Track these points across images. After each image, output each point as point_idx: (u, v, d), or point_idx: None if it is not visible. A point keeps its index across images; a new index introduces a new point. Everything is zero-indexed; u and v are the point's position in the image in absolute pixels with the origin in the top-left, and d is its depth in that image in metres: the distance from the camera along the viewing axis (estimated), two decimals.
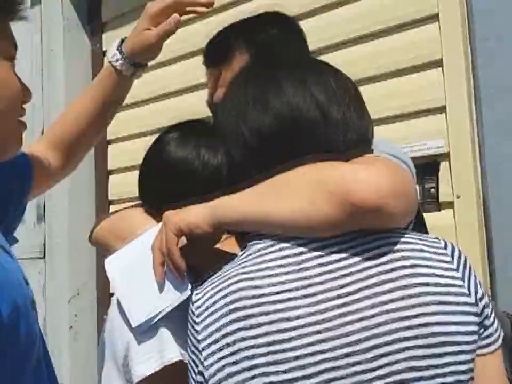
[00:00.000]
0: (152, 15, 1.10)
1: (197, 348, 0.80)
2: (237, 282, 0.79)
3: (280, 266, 0.80)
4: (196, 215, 0.89)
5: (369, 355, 0.75)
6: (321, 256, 0.80)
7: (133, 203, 1.22)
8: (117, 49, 1.13)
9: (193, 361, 0.80)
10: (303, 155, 0.84)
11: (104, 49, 2.65)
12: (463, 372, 0.77)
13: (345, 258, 0.79)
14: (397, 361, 0.75)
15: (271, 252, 0.82)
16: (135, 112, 2.50)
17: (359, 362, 0.75)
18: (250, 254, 0.83)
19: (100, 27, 2.67)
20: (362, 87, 1.73)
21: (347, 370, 0.75)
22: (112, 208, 2.66)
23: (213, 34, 1.15)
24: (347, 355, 0.75)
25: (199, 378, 0.79)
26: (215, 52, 1.13)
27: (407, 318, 0.76)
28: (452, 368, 0.76)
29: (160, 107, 2.41)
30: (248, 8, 2.05)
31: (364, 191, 0.75)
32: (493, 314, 0.83)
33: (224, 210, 0.86)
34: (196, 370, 0.80)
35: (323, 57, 1.82)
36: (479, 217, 1.57)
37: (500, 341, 0.83)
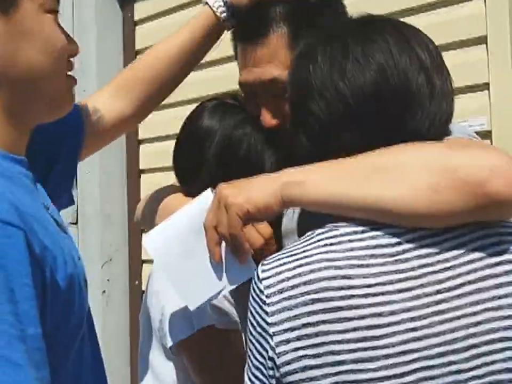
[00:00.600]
0: None
1: (265, 330, 0.75)
2: (321, 269, 0.74)
3: (372, 256, 0.74)
4: (264, 193, 0.80)
5: (466, 355, 0.72)
6: (420, 247, 0.75)
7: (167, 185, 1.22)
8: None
9: (259, 342, 0.76)
10: (406, 132, 0.78)
11: (135, 18, 2.64)
12: None
13: (446, 250, 0.74)
14: (493, 362, 0.72)
15: (361, 239, 0.75)
16: None
17: (455, 362, 0.72)
18: (335, 237, 0.76)
19: None
20: None
21: (442, 370, 0.72)
22: (143, 177, 2.69)
23: None
24: (443, 354, 0.72)
25: (269, 363, 0.75)
26: (250, 25, 1.03)
27: (509, 317, 0.73)
28: None
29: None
30: None
31: (500, 182, 0.70)
32: None
33: (305, 189, 0.77)
34: (265, 355, 0.76)
35: None
36: None
37: None
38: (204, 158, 1.09)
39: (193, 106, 1.20)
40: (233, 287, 0.89)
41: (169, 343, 1.07)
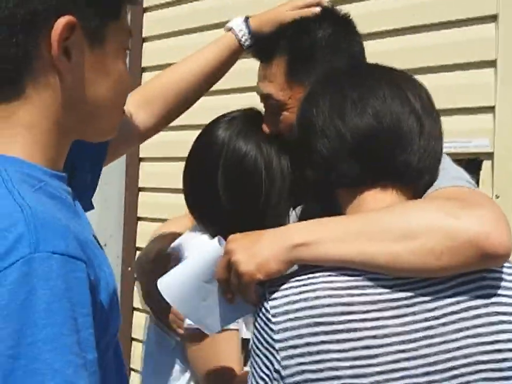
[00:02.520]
0: (296, 6, 1.17)
1: (272, 346, 0.83)
2: (325, 297, 0.82)
3: (371, 286, 0.83)
4: (275, 259, 0.84)
5: (446, 375, 0.82)
6: (414, 283, 0.84)
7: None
8: (244, 24, 1.19)
9: (265, 356, 0.84)
10: (398, 163, 0.88)
11: (144, 5, 2.64)
12: None
13: (434, 284, 0.84)
14: (468, 382, 0.82)
15: (360, 271, 0.84)
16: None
17: (436, 381, 0.82)
18: (339, 269, 0.84)
19: None
20: (420, 75, 1.78)
21: None
22: (142, 165, 2.71)
23: None
24: (427, 373, 0.82)
25: (275, 374, 0.83)
26: (260, 49, 1.17)
27: (484, 343, 0.83)
28: None
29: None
30: None
31: (495, 241, 0.80)
32: None
33: (315, 251, 0.84)
34: (271, 367, 0.84)
35: (376, 43, 1.87)
36: None
37: None
38: (212, 169, 1.15)
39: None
40: (241, 317, 1.02)
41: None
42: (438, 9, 1.78)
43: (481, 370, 0.82)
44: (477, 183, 1.73)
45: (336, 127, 0.89)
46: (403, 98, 0.90)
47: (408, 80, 0.95)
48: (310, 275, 0.85)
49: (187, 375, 1.19)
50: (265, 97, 1.15)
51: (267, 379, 0.84)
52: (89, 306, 0.68)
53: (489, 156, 1.70)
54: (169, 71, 1.22)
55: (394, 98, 0.90)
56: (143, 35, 2.67)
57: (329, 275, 0.84)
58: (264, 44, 1.16)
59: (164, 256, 1.16)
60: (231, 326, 1.11)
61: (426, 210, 0.84)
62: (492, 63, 1.69)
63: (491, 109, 1.69)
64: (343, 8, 1.20)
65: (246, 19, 1.20)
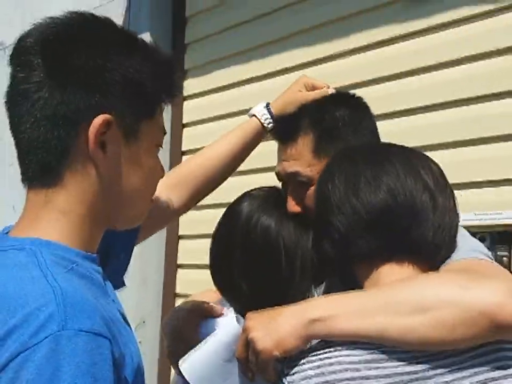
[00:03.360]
0: (305, 83, 1.26)
1: None
2: (342, 371, 0.82)
3: (388, 360, 0.83)
4: (292, 335, 0.86)
5: None
6: (431, 354, 0.85)
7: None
8: (266, 110, 1.28)
9: None
10: (413, 237, 0.90)
11: (184, 94, 2.81)
12: None
13: (452, 356, 0.85)
14: None
15: (375, 345, 0.84)
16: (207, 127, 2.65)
17: None
18: (356, 343, 0.85)
19: (182, 49, 2.80)
20: (445, 150, 1.81)
21: None
22: (181, 242, 2.78)
23: None
24: None
25: None
26: (284, 129, 1.21)
27: None
28: None
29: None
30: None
31: (507, 313, 0.81)
32: None
33: (331, 326, 0.85)
34: None
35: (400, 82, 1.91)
36: None
37: None
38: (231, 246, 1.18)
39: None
40: None
41: None
42: (483, 82, 1.81)
43: None
44: (509, 255, 1.72)
45: (351, 204, 0.93)
46: (416, 175, 0.94)
47: (421, 158, 0.99)
48: (327, 349, 0.86)
49: None
50: (290, 176, 1.17)
51: None
52: (111, 381, 0.71)
53: None
54: (198, 155, 1.32)
55: (408, 175, 0.93)
56: (183, 121, 2.81)
57: (346, 349, 0.84)
58: (287, 125, 1.20)
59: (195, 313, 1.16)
60: None
61: (439, 283, 0.86)
62: None
63: None
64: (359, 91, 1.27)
65: (267, 105, 1.29)
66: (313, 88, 1.26)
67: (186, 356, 1.02)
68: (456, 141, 1.85)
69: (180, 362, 1.01)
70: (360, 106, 1.21)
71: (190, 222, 2.67)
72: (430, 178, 0.94)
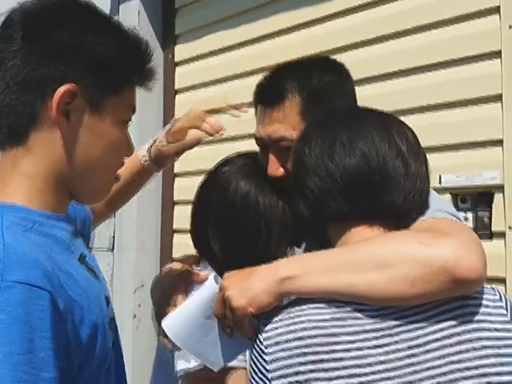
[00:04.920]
0: (195, 116, 1.27)
1: (265, 376, 0.88)
2: (311, 328, 0.86)
3: (355, 318, 0.87)
4: (265, 293, 0.90)
5: None
6: (396, 312, 0.88)
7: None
8: (147, 150, 1.30)
9: None
10: (383, 202, 0.93)
11: (176, 60, 2.81)
12: None
13: (417, 313, 0.87)
14: None
15: (346, 305, 0.88)
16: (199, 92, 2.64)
17: None
18: (325, 302, 0.89)
19: (172, 39, 2.82)
20: (425, 113, 1.83)
21: None
22: (176, 208, 2.83)
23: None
24: None
25: None
26: (269, 92, 1.18)
27: (469, 368, 0.85)
28: None
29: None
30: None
31: (464, 268, 0.84)
32: None
33: (301, 284, 0.89)
34: None
35: (385, 84, 1.93)
36: None
37: None
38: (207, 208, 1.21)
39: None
40: (243, 352, 1.07)
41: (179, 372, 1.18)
42: (445, 49, 1.84)
43: None
44: (490, 215, 1.75)
45: (326, 167, 0.94)
46: (390, 141, 0.95)
47: (395, 123, 1.00)
48: (298, 307, 0.90)
49: None
50: (275, 140, 1.16)
51: None
52: (50, 330, 0.77)
53: (500, 188, 1.71)
54: None
55: (382, 140, 0.94)
56: (176, 87, 2.83)
57: (316, 307, 0.89)
58: (272, 88, 1.18)
59: (177, 291, 1.21)
60: (240, 365, 1.15)
61: (401, 241, 0.90)
62: (498, 98, 1.72)
63: (500, 142, 1.72)
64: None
65: (151, 146, 1.31)
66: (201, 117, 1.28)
67: (168, 315, 1.07)
68: (437, 104, 1.85)
69: (162, 321, 1.06)
70: (344, 71, 1.22)
71: (184, 188, 2.71)
72: (403, 144, 0.96)
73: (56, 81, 0.87)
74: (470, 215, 1.78)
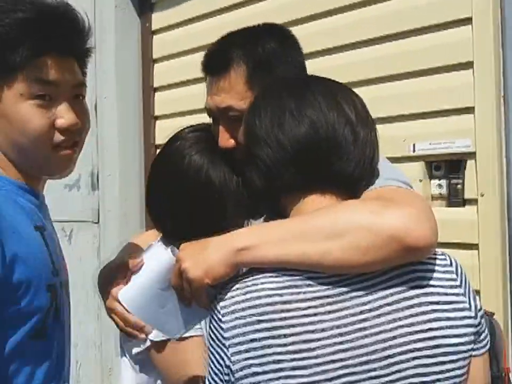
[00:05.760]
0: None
1: (222, 343, 0.90)
2: (265, 296, 0.89)
3: (308, 285, 0.89)
4: (221, 263, 0.91)
5: (384, 363, 0.88)
6: (347, 279, 0.90)
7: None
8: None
9: (217, 352, 0.91)
10: (333, 170, 0.94)
11: (153, 28, 2.77)
12: (461, 375, 0.91)
13: (368, 279, 0.90)
14: (406, 368, 0.88)
15: (300, 274, 0.90)
16: (184, 89, 2.64)
17: (374, 369, 0.88)
18: (279, 271, 0.91)
19: (149, 7, 2.78)
20: (398, 81, 1.83)
21: (363, 375, 0.88)
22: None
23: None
24: (365, 363, 0.87)
25: (226, 370, 0.90)
26: (215, 62, 1.17)
27: (418, 332, 0.88)
28: (452, 373, 0.90)
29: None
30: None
31: (413, 236, 0.86)
32: (484, 322, 0.95)
33: (255, 254, 0.91)
34: (222, 363, 0.91)
35: (354, 52, 1.93)
36: (501, 215, 1.67)
37: (488, 344, 0.96)
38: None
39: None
40: (201, 321, 1.09)
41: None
42: (415, 16, 1.83)
43: (416, 358, 0.88)
44: (462, 182, 1.77)
45: (276, 137, 0.95)
46: (339, 109, 0.96)
47: (344, 91, 1.00)
48: (254, 276, 0.92)
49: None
50: (223, 110, 1.15)
51: (220, 374, 0.91)
52: None
53: (472, 155, 1.73)
54: None
55: (330, 108, 0.95)
56: (153, 57, 2.80)
57: (270, 276, 0.91)
58: (217, 57, 1.17)
59: (125, 265, 1.17)
60: (196, 333, 1.17)
61: (353, 210, 0.91)
62: (469, 65, 1.73)
63: (471, 110, 1.73)
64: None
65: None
66: None
67: (123, 288, 1.09)
68: (410, 72, 1.85)
69: (119, 294, 1.08)
70: (289, 39, 1.21)
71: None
72: (352, 111, 0.96)
73: None
74: (443, 182, 1.80)
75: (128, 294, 1.07)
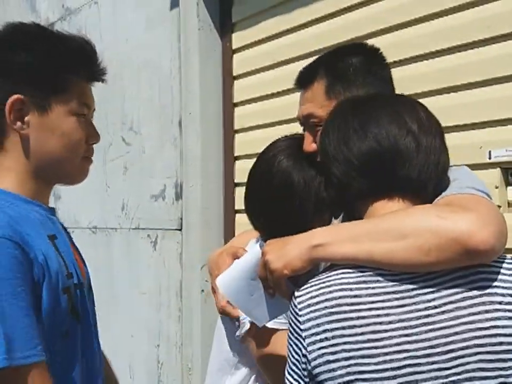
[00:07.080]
0: None
1: (299, 335, 1.00)
2: (337, 290, 0.99)
3: (377, 281, 0.98)
4: (299, 258, 1.02)
5: (446, 356, 0.95)
6: (414, 278, 0.98)
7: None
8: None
9: (295, 344, 1.01)
10: (399, 177, 1.04)
11: (233, 47, 2.93)
12: None
13: (434, 278, 0.98)
14: (468, 362, 0.95)
15: (370, 271, 0.99)
16: (262, 104, 2.78)
17: (437, 362, 0.95)
18: (350, 268, 1.01)
19: (230, 27, 2.94)
20: (475, 89, 1.86)
21: (427, 367, 0.95)
22: (237, 190, 2.97)
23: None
24: (428, 355, 0.95)
25: (303, 359, 0.99)
26: (303, 76, 1.35)
27: (481, 329, 0.95)
28: None
29: (284, 101, 2.66)
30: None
31: (477, 241, 0.92)
32: None
33: (328, 251, 1.01)
34: (300, 353, 1.00)
35: (438, 60, 1.97)
36: None
37: None
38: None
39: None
40: (282, 313, 1.21)
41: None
42: (490, 24, 1.85)
43: (479, 353, 0.95)
44: None
45: (343, 153, 1.07)
46: (400, 122, 1.06)
47: (407, 105, 1.11)
48: (328, 273, 1.02)
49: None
50: (306, 117, 1.32)
51: (297, 363, 1.01)
52: (9, 271, 1.03)
53: None
54: None
55: (392, 122, 1.06)
56: (234, 74, 2.95)
57: (343, 272, 1.00)
58: (306, 73, 1.35)
59: (228, 254, 1.35)
60: (283, 327, 1.27)
61: (421, 214, 0.99)
62: None
63: None
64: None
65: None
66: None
67: (223, 273, 1.25)
68: (486, 80, 1.89)
69: (217, 278, 1.25)
70: (371, 54, 1.35)
71: (244, 170, 2.85)
72: (414, 123, 1.06)
73: (5, 96, 1.13)
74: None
75: (224, 279, 1.23)
